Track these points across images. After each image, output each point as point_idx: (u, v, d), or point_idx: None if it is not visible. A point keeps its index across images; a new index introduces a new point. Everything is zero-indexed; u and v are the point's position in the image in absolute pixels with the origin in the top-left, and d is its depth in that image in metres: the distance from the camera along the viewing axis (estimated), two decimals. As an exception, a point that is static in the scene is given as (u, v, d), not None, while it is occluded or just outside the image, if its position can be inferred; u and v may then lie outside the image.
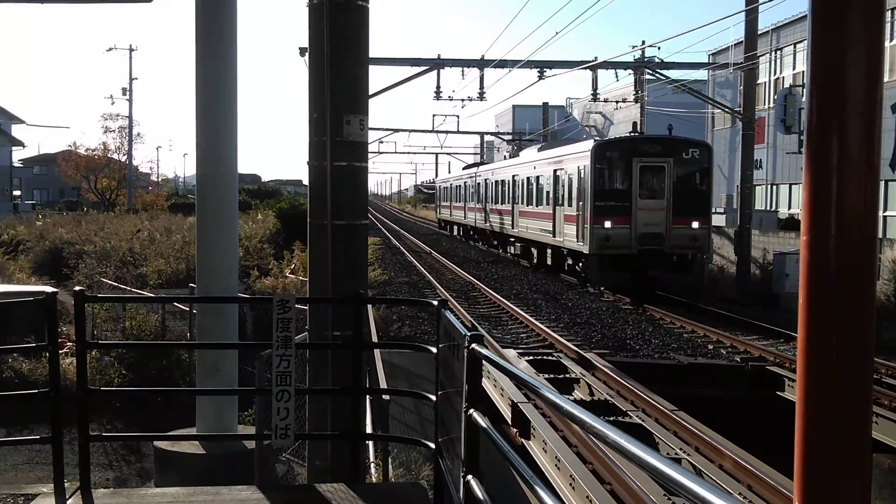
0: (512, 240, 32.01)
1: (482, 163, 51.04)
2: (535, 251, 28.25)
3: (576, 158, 22.91)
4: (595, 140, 23.50)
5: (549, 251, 26.10)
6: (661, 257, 20.79)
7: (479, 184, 39.78)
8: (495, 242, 36.43)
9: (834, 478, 2.56)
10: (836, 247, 2.52)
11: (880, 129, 2.61)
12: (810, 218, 2.62)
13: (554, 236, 25.01)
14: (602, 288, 22.16)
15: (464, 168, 51.35)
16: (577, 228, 22.14)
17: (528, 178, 29.18)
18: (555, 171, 25.04)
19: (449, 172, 68.14)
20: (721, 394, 12.50)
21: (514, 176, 31.64)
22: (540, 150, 30.53)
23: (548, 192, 26.02)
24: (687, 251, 21.19)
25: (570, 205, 23.18)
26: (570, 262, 24.09)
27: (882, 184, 29.60)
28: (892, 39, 29.68)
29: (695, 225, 20.89)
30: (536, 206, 27.61)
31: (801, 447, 2.63)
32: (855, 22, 2.53)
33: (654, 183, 21.27)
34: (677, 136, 25.37)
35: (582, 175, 21.99)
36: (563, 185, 24.24)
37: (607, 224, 20.78)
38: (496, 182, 35.45)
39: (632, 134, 23.46)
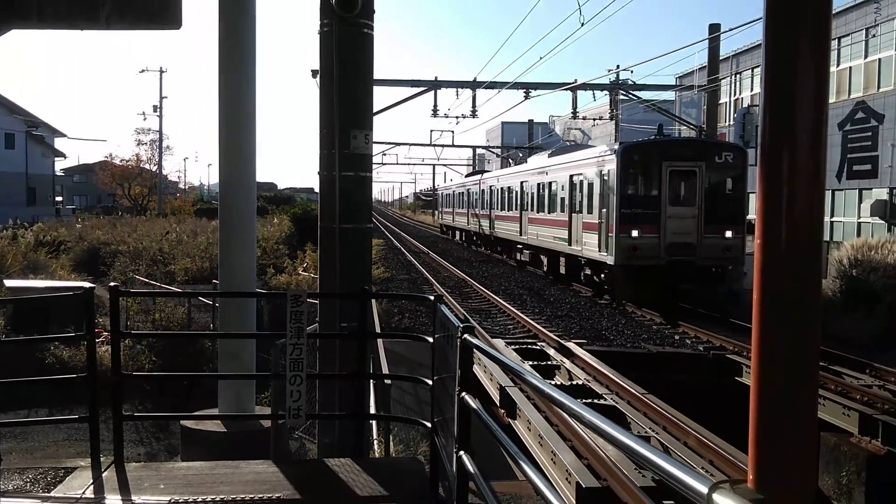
0: (519, 247, 28.14)
1: (483, 171, 46.55)
2: (545, 259, 24.90)
3: (598, 163, 19.42)
4: (622, 143, 20.01)
5: (562, 260, 22.72)
6: (691, 269, 17.62)
7: (483, 190, 35.86)
8: (499, 249, 33.28)
9: (783, 453, 2.58)
10: (786, 249, 2.54)
11: (825, 144, 2.64)
12: (763, 224, 2.64)
13: (570, 245, 21.53)
14: (625, 302, 18.87)
15: (466, 175, 47.33)
16: (600, 237, 18.74)
17: (538, 185, 25.65)
18: (571, 176, 21.75)
19: (446, 181, 65.10)
20: (686, 379, 12.49)
21: (522, 182, 28.11)
22: (551, 155, 26.61)
23: (563, 199, 22.56)
24: (719, 262, 17.96)
25: (590, 212, 19.80)
26: (587, 272, 20.53)
27: (829, 193, 29.71)
28: (837, 65, 29.79)
29: (728, 234, 17.82)
30: (549, 212, 24.16)
31: (755, 426, 2.65)
32: (803, 50, 2.55)
33: (685, 189, 18.16)
34: (709, 139, 22.69)
35: (606, 180, 18.60)
36: (581, 192, 20.81)
37: (634, 233, 17.51)
38: (502, 189, 31.52)
39: (658, 137, 20.12)
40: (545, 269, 25.01)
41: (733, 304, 17.85)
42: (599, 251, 18.94)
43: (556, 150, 29.35)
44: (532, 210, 26.40)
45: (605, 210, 18.65)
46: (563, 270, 22.90)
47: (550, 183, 24.43)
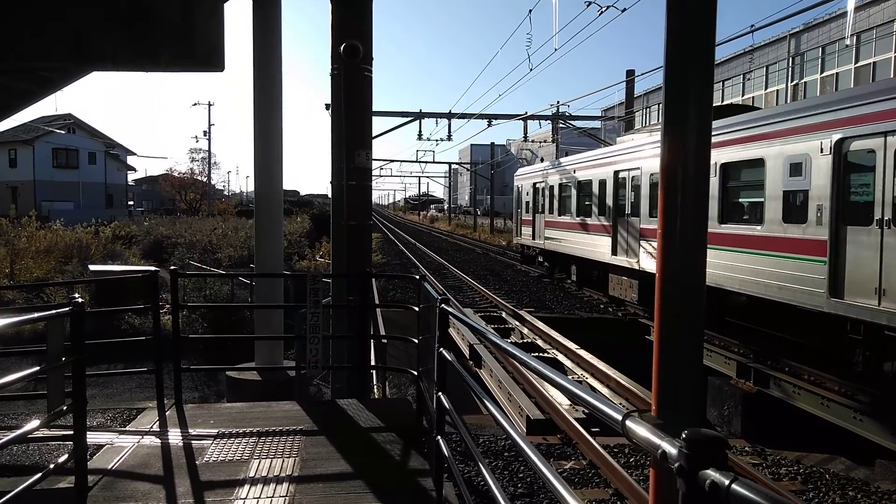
0: None
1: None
2: None
3: None
4: None
5: None
6: None
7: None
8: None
9: (678, 391, 2.62)
10: (679, 241, 2.56)
11: (709, 160, 2.66)
12: (664, 222, 2.66)
13: None
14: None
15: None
16: None
17: None
18: None
19: (526, 164, 34.39)
20: (608, 338, 12.60)
21: None
22: None
23: None
24: None
25: None
26: None
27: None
28: (721, 100, 30.05)
29: None
30: None
31: (657, 371, 2.69)
32: (692, 90, 2.56)
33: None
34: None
35: None
36: None
37: None
38: None
39: None
40: None
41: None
42: None
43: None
44: None
45: None
46: None
47: None
